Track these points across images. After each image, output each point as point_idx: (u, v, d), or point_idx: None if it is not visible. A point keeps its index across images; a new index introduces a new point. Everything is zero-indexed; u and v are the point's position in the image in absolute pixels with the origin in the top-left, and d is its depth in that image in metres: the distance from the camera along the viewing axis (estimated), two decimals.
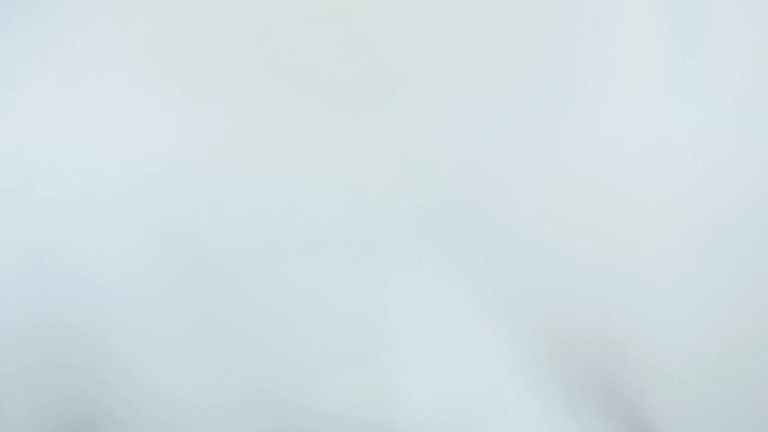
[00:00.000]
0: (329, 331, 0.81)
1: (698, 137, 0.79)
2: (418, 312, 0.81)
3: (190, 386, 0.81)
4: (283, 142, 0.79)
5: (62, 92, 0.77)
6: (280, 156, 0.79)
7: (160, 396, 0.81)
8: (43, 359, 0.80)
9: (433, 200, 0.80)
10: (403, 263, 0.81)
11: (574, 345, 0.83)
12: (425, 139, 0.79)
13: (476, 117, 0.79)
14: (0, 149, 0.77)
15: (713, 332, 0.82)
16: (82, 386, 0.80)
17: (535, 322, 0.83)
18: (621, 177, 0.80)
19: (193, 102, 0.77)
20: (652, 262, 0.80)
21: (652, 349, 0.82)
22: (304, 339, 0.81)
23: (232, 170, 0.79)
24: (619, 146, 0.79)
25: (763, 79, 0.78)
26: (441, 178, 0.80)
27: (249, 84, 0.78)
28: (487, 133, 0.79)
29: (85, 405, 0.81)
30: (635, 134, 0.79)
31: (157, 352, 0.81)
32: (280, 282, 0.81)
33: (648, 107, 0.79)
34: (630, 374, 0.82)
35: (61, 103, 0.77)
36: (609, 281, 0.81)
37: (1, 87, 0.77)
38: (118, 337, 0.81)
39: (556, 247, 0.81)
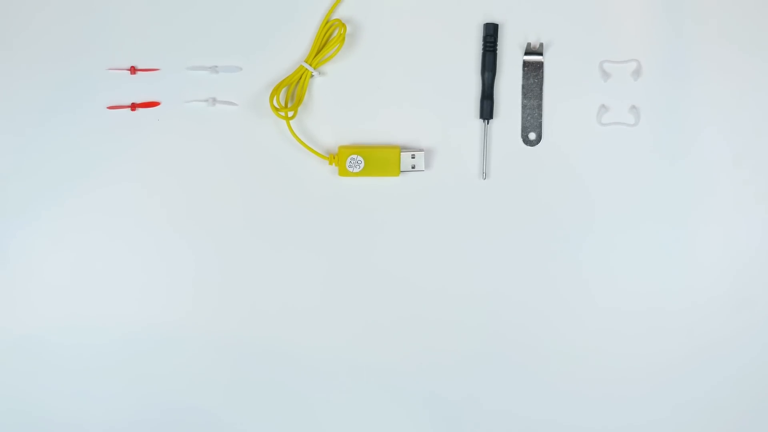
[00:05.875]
0: None
1: (693, 317, 0.80)
2: None
3: None
4: (265, 311, 0.81)
5: (71, 275, 0.80)
6: (260, 322, 0.81)
7: None
8: None
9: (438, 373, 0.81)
10: None
11: None
12: (426, 317, 0.81)
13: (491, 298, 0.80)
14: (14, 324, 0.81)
15: None
16: None
17: None
18: (619, 355, 0.81)
19: (190, 278, 0.81)
20: None
21: None
22: None
23: (215, 334, 0.81)
24: (617, 327, 0.81)
25: (752, 266, 0.80)
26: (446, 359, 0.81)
27: (246, 258, 0.81)
28: (506, 307, 0.81)
29: None
30: (632, 316, 0.80)
31: None
32: None
33: (646, 288, 0.80)
34: None
35: (70, 284, 0.80)
36: None
37: (19, 271, 0.79)
38: None
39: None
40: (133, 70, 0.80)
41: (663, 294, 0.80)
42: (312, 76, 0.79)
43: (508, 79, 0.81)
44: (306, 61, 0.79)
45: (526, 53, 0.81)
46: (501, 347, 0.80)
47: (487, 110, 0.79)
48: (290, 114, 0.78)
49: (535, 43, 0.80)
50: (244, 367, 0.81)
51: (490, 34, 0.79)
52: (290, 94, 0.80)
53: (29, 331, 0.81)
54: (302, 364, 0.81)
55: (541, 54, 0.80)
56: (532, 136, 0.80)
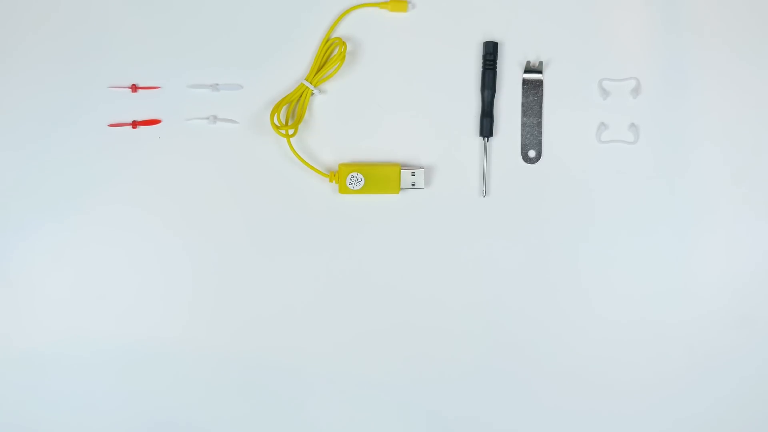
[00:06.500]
0: None
1: (694, 334, 0.80)
2: None
3: None
4: (267, 328, 0.81)
5: (72, 291, 0.80)
6: (262, 339, 0.81)
7: None
8: None
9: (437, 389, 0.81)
10: None
11: None
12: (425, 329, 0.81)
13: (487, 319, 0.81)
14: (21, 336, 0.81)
15: None
16: None
17: None
18: (620, 371, 0.81)
19: (191, 294, 0.81)
20: None
21: None
22: None
23: (215, 349, 0.81)
24: (619, 343, 0.80)
25: (752, 282, 0.80)
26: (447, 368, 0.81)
27: (245, 272, 0.81)
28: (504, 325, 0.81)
29: None
30: (633, 332, 0.80)
31: None
32: None
33: (646, 304, 0.80)
34: None
35: (70, 300, 0.80)
36: None
37: (19, 286, 0.80)
38: None
39: None
40: (135, 88, 0.80)
41: (663, 309, 0.80)
42: (312, 94, 0.79)
43: (507, 97, 0.81)
44: (306, 79, 0.79)
45: (526, 71, 0.81)
46: (501, 363, 0.80)
47: (486, 128, 0.80)
48: (291, 132, 0.78)
49: (534, 61, 0.81)
50: (245, 384, 0.81)
51: (490, 52, 0.80)
52: (291, 112, 0.80)
53: (29, 346, 0.81)
54: (301, 378, 0.81)
55: (540, 72, 0.81)
56: (531, 153, 0.81)
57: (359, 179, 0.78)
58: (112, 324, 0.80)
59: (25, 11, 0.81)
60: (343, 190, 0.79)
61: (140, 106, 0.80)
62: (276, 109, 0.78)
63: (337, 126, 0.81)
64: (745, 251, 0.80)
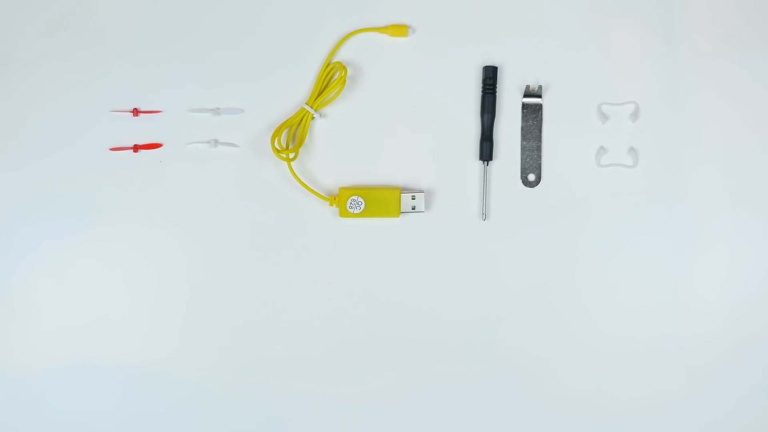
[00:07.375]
0: None
1: (692, 354, 0.80)
2: None
3: None
4: (267, 354, 0.81)
5: (72, 313, 0.80)
6: (262, 366, 0.81)
7: None
8: None
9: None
10: None
11: None
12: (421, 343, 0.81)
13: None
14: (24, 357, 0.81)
15: None
16: None
17: None
18: (620, 398, 0.81)
19: (191, 319, 0.81)
20: None
21: None
22: None
23: (213, 374, 0.81)
24: (620, 368, 0.81)
25: (749, 303, 0.81)
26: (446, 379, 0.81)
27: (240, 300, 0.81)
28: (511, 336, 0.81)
29: None
30: (633, 356, 0.81)
31: None
32: None
33: (645, 328, 0.81)
34: None
35: (70, 321, 0.80)
36: None
37: (20, 311, 0.80)
38: None
39: None
40: (136, 112, 0.81)
41: (662, 329, 0.80)
42: (313, 118, 0.80)
43: (507, 121, 0.81)
44: (307, 104, 0.79)
45: (525, 95, 0.81)
46: (502, 383, 0.81)
47: (486, 152, 0.80)
48: (291, 156, 0.78)
49: (533, 85, 0.81)
50: (248, 405, 0.81)
51: (490, 76, 0.80)
52: (291, 136, 0.80)
53: (29, 365, 0.81)
54: (302, 398, 0.81)
55: (539, 96, 0.81)
56: (531, 177, 0.81)
57: (359, 203, 0.79)
58: (112, 345, 0.80)
59: (25, 35, 0.81)
60: (344, 213, 0.79)
61: (141, 130, 0.81)
62: (277, 133, 0.79)
63: (338, 150, 0.81)
64: (744, 274, 0.81)
